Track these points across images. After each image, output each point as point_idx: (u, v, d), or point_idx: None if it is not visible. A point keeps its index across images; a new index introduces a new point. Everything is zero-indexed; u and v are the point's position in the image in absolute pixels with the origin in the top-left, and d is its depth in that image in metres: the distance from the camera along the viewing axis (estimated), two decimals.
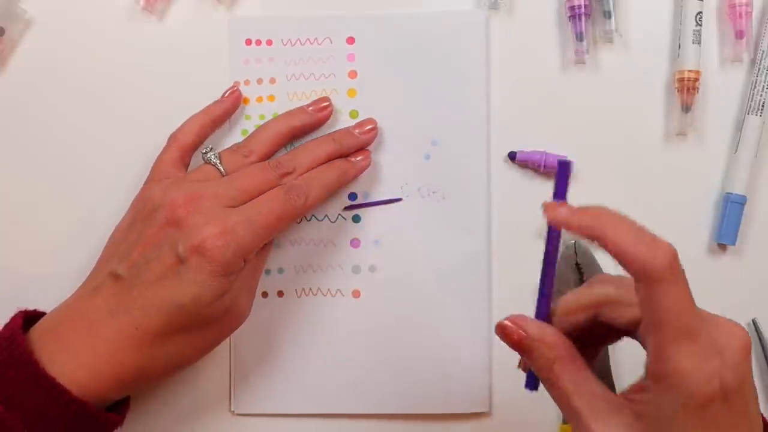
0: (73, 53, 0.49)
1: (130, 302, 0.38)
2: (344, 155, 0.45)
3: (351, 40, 0.47)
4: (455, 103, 0.47)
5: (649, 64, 0.47)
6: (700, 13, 0.45)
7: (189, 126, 0.46)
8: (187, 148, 0.45)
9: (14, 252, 0.48)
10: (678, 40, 0.46)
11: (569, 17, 0.46)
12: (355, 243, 0.47)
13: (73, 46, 0.49)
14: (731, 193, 0.45)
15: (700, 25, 0.45)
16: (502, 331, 0.33)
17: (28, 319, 0.40)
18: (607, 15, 0.46)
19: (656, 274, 0.28)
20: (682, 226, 0.46)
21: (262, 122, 0.47)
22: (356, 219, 0.47)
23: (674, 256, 0.29)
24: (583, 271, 0.45)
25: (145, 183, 0.44)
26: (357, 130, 0.46)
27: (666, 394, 0.29)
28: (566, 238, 0.46)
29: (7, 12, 0.48)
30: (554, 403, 0.46)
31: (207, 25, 0.48)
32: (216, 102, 0.47)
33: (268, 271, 0.47)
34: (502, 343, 0.47)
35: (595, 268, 0.45)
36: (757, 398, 0.31)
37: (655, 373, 0.30)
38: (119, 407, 0.41)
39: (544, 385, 0.33)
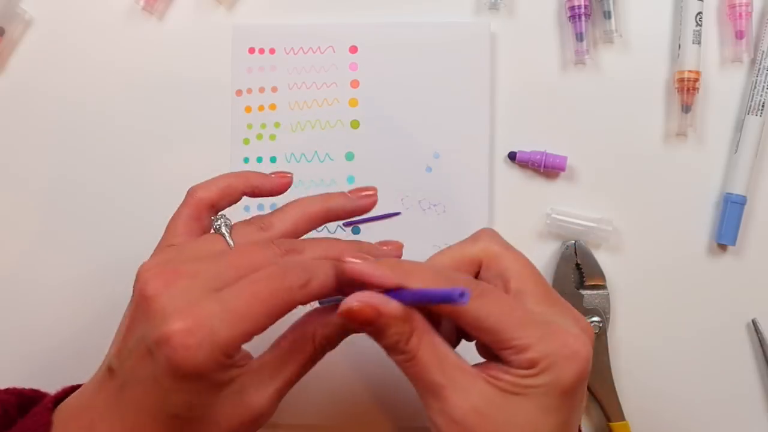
0: (73, 53, 0.49)
1: (123, 405, 0.32)
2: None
3: (354, 49, 0.47)
4: (458, 116, 0.47)
5: (649, 64, 0.47)
6: (700, 13, 0.45)
7: (213, 181, 0.37)
8: (205, 205, 0.37)
9: (12, 248, 0.48)
10: (678, 40, 0.46)
11: (569, 18, 0.46)
12: None
13: (73, 46, 0.49)
14: (731, 193, 0.45)
15: (700, 25, 0.45)
16: (350, 314, 0.31)
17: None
18: (607, 15, 0.46)
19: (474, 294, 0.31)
20: (682, 226, 0.46)
21: (263, 131, 0.47)
22: (356, 231, 0.47)
23: (471, 280, 0.32)
24: (583, 271, 0.45)
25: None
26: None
27: (538, 378, 0.31)
28: (567, 237, 0.46)
29: (7, 12, 0.48)
30: None
31: (207, 26, 0.48)
32: (259, 173, 0.39)
33: None
34: None
35: (595, 268, 0.45)
36: None
37: (523, 363, 0.31)
38: None
39: (400, 363, 0.33)
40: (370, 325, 0.31)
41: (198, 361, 0.30)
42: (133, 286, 0.32)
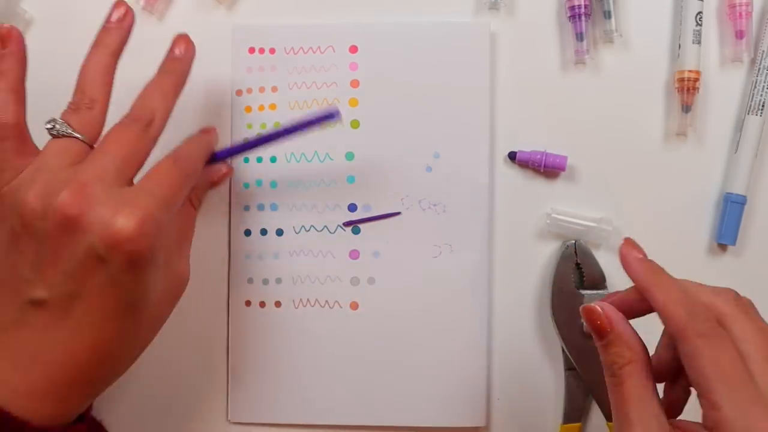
0: (73, 53, 0.49)
1: (73, 322, 0.34)
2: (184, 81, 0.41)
3: (354, 49, 0.47)
4: (458, 116, 0.47)
5: (649, 64, 0.47)
6: (700, 13, 0.45)
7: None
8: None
9: None
10: (678, 40, 0.46)
11: (569, 17, 0.46)
12: (354, 254, 0.47)
13: (73, 46, 0.49)
14: (731, 193, 0.45)
15: (700, 25, 0.45)
16: (588, 314, 0.33)
17: None
18: (607, 15, 0.46)
19: (692, 332, 0.30)
20: (682, 226, 0.46)
21: (263, 131, 0.47)
22: (356, 230, 0.47)
23: (710, 316, 0.31)
24: (583, 271, 0.45)
25: None
26: (177, 52, 0.42)
27: None
28: (567, 237, 0.46)
29: (7, 12, 0.48)
30: (553, 419, 0.46)
31: (207, 26, 0.48)
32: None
33: (266, 281, 0.47)
34: (501, 357, 0.48)
35: (595, 268, 0.45)
36: None
37: (708, 422, 0.30)
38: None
39: (608, 384, 0.33)
40: (601, 335, 0.32)
41: (152, 247, 0.34)
42: (32, 219, 0.34)
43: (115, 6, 0.41)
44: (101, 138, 0.38)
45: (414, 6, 0.48)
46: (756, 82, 0.45)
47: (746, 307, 0.33)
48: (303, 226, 0.47)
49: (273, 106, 0.47)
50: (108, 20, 0.41)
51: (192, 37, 0.48)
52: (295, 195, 0.47)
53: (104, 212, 0.33)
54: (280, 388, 0.47)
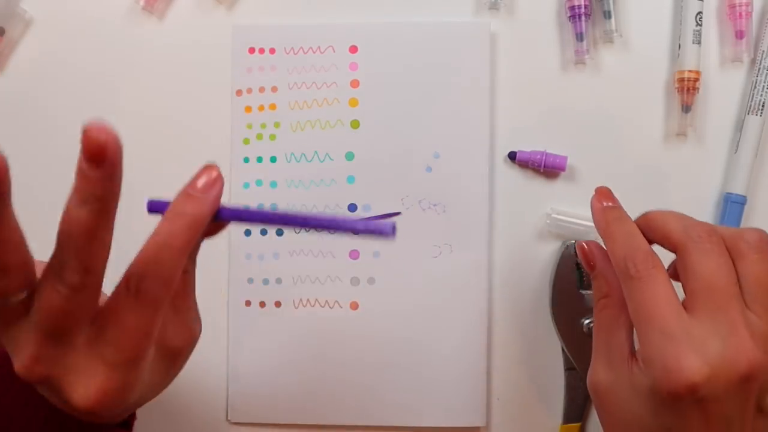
0: (73, 53, 0.49)
1: None
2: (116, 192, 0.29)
3: (354, 49, 0.47)
4: (458, 116, 0.47)
5: (649, 64, 0.47)
6: (700, 13, 0.45)
7: None
8: None
9: None
10: (678, 40, 0.46)
11: (569, 17, 0.46)
12: (354, 254, 0.47)
13: (73, 46, 0.49)
14: (731, 193, 0.45)
15: (700, 25, 0.45)
16: (580, 250, 0.38)
17: None
18: (607, 15, 0.46)
19: (631, 273, 0.33)
20: None
21: (263, 131, 0.47)
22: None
23: (647, 256, 0.34)
24: (583, 271, 0.45)
25: None
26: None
27: (641, 375, 0.33)
28: (567, 237, 0.46)
29: (7, 12, 0.48)
30: (553, 419, 0.47)
31: (207, 26, 0.48)
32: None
33: (266, 281, 0.47)
34: (500, 357, 0.48)
35: None
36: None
37: (640, 354, 0.33)
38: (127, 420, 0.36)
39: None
40: (589, 269, 0.38)
41: (121, 404, 0.30)
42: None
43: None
44: None
45: (414, 6, 0.48)
46: (756, 82, 0.45)
47: (716, 238, 0.34)
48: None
49: (273, 106, 0.47)
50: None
51: (192, 37, 0.49)
52: (295, 195, 0.47)
53: (59, 385, 0.29)
54: (280, 388, 0.47)
